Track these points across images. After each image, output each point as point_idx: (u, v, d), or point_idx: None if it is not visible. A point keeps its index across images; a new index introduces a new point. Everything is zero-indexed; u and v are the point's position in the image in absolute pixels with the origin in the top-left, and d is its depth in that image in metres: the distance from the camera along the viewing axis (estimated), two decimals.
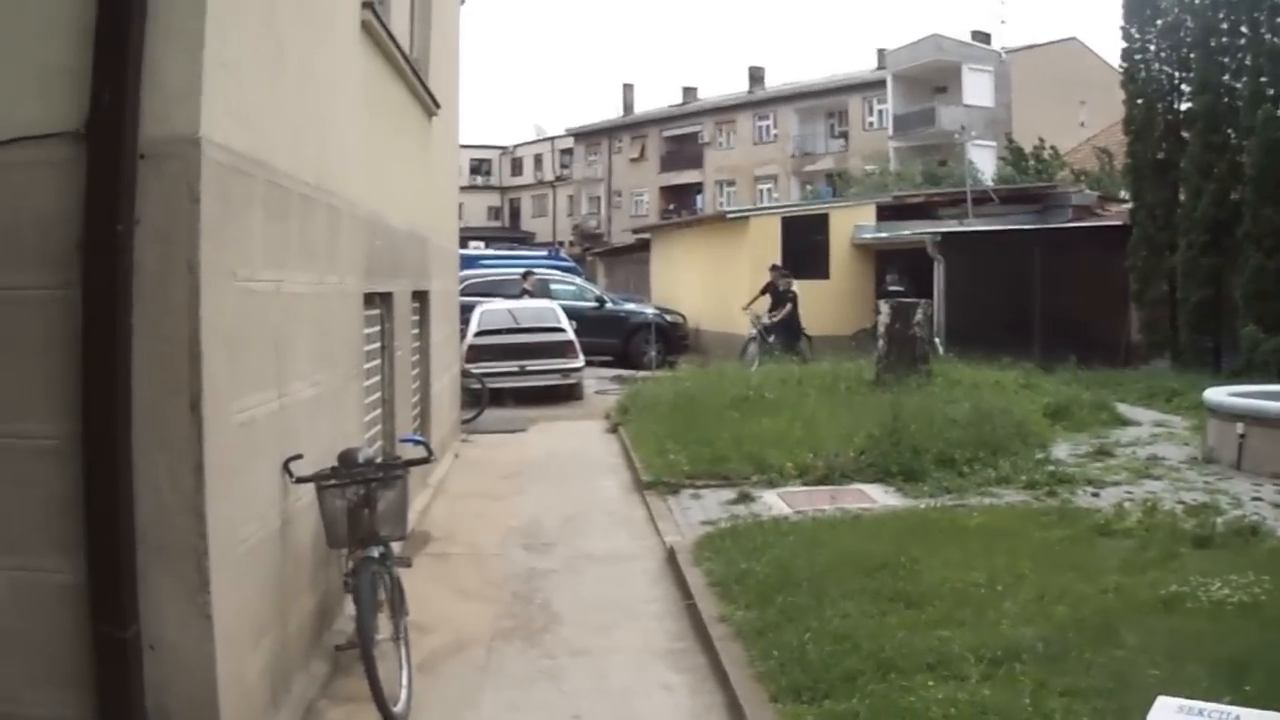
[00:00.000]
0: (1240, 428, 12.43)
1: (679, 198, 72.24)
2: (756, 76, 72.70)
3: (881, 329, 18.36)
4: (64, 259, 4.45)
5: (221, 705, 4.74)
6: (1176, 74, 23.02)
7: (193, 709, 4.67)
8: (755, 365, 22.86)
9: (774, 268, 26.24)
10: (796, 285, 25.63)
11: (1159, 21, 23.22)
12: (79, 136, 4.43)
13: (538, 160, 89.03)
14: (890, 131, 57.50)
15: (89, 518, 4.46)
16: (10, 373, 4.57)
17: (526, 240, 76.56)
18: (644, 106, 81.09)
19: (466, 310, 19.95)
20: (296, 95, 6.19)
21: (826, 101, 64.69)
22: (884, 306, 18.73)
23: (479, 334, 20.63)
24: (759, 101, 69.14)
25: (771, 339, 25.09)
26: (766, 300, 25.62)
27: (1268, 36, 20.59)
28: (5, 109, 4.54)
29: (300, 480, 5.96)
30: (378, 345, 9.46)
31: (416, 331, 11.85)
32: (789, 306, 24.99)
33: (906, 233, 28.84)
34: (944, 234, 27.05)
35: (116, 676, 4.50)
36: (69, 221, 4.44)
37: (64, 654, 4.56)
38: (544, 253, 42.21)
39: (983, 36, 58.81)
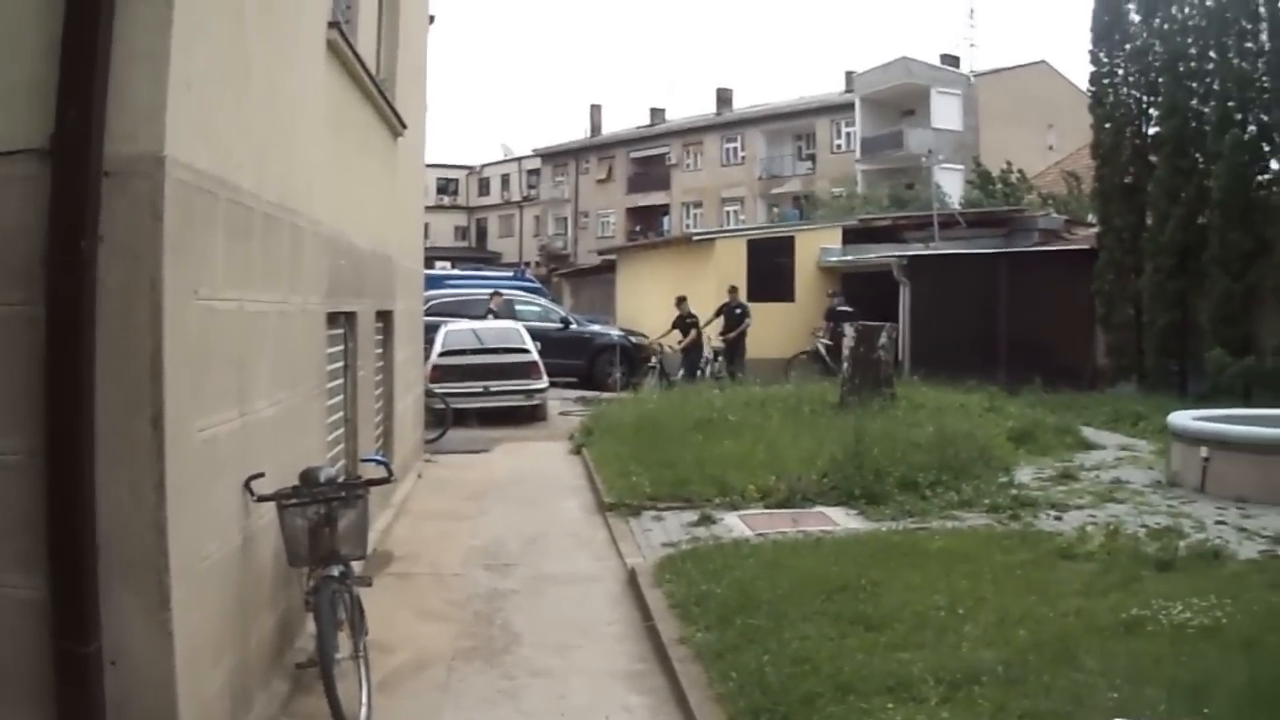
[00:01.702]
0: (1204, 451, 12.55)
1: (645, 219, 72.34)
2: (724, 98, 72.86)
3: (846, 351, 18.46)
4: (27, 275, 4.45)
5: None
6: (1145, 98, 23.18)
7: None
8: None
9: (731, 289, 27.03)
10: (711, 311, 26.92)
11: (1127, 46, 23.39)
12: (44, 153, 4.44)
13: (505, 180, 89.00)
14: (858, 154, 57.86)
15: (51, 533, 4.46)
16: None
17: (493, 260, 76.46)
18: (612, 127, 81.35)
19: (431, 330, 19.96)
20: (261, 114, 6.22)
21: (794, 124, 65.02)
22: (849, 329, 18.86)
23: (443, 354, 20.63)
24: (727, 123, 69.39)
25: (718, 361, 26.09)
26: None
27: (1235, 61, 20.83)
28: None
29: (261, 499, 5.97)
30: (341, 365, 9.47)
31: (380, 351, 11.84)
32: (692, 331, 26.58)
33: (872, 255, 28.98)
34: (910, 257, 27.16)
35: (78, 693, 4.48)
36: (33, 237, 4.44)
37: (25, 670, 4.54)
38: (510, 273, 42.20)
39: (951, 60, 59.30)
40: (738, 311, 26.50)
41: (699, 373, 25.60)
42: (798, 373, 25.57)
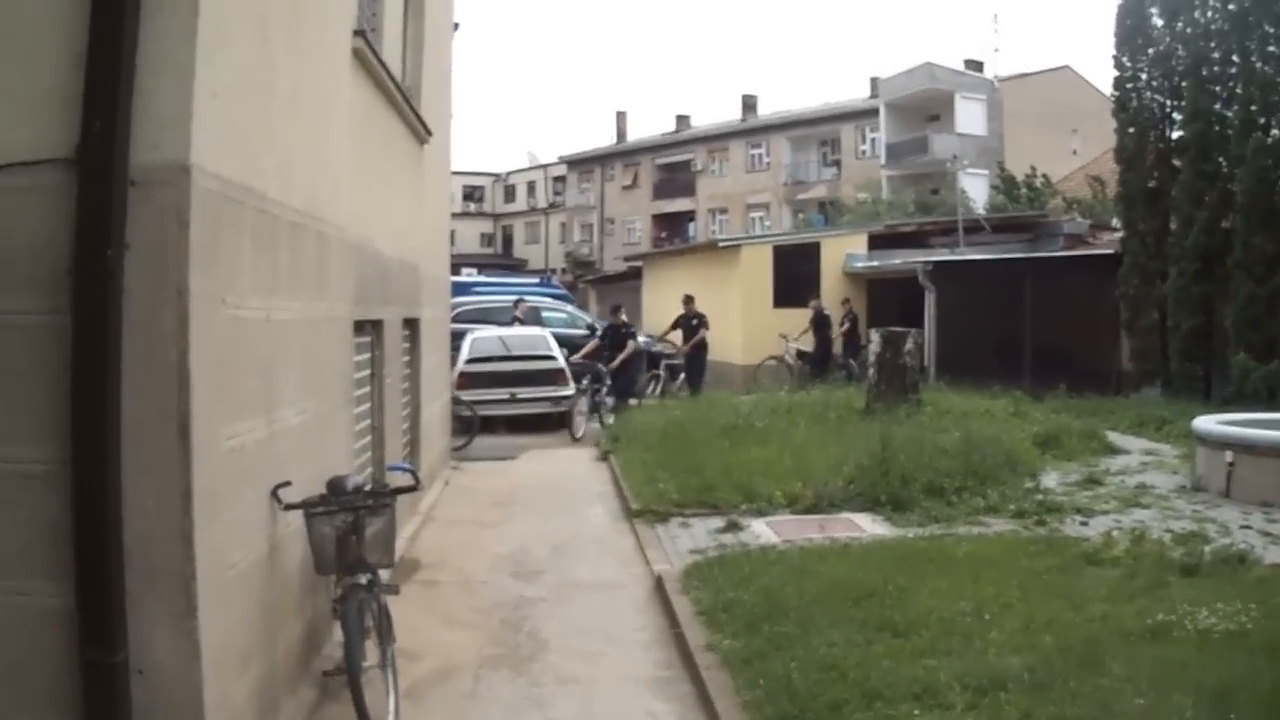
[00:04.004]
0: (1229, 456, 12.49)
1: (671, 225, 72.33)
2: (749, 104, 72.89)
3: (872, 358, 18.42)
4: (54, 284, 4.46)
5: None
6: (1168, 102, 23.18)
7: None
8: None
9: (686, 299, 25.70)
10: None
11: (1150, 50, 23.38)
12: (70, 163, 4.45)
13: (531, 187, 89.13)
14: (883, 160, 57.68)
15: (78, 542, 4.46)
16: (0, 398, 4.58)
17: (519, 267, 76.62)
18: (637, 134, 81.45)
19: (458, 337, 19.99)
20: (287, 123, 6.23)
21: (819, 130, 64.88)
22: (875, 335, 18.81)
23: (470, 361, 20.65)
24: (752, 129, 69.32)
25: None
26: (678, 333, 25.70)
27: (1258, 65, 20.76)
28: None
29: (289, 507, 5.97)
30: (368, 373, 9.47)
31: (407, 359, 11.87)
32: (629, 344, 23.05)
33: (897, 261, 28.99)
34: (935, 263, 27.15)
35: (104, 701, 4.49)
36: (59, 247, 4.45)
37: (52, 678, 4.55)
38: (536, 280, 42.25)
39: (976, 65, 58.98)
40: (694, 323, 25.09)
41: (635, 398, 23.25)
42: (765, 378, 25.34)
